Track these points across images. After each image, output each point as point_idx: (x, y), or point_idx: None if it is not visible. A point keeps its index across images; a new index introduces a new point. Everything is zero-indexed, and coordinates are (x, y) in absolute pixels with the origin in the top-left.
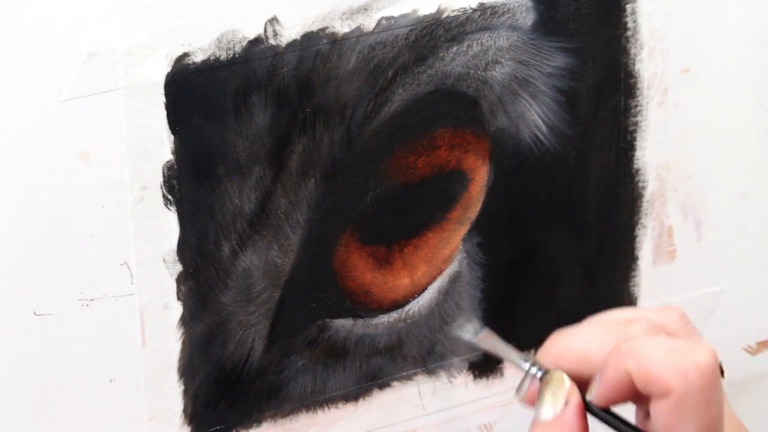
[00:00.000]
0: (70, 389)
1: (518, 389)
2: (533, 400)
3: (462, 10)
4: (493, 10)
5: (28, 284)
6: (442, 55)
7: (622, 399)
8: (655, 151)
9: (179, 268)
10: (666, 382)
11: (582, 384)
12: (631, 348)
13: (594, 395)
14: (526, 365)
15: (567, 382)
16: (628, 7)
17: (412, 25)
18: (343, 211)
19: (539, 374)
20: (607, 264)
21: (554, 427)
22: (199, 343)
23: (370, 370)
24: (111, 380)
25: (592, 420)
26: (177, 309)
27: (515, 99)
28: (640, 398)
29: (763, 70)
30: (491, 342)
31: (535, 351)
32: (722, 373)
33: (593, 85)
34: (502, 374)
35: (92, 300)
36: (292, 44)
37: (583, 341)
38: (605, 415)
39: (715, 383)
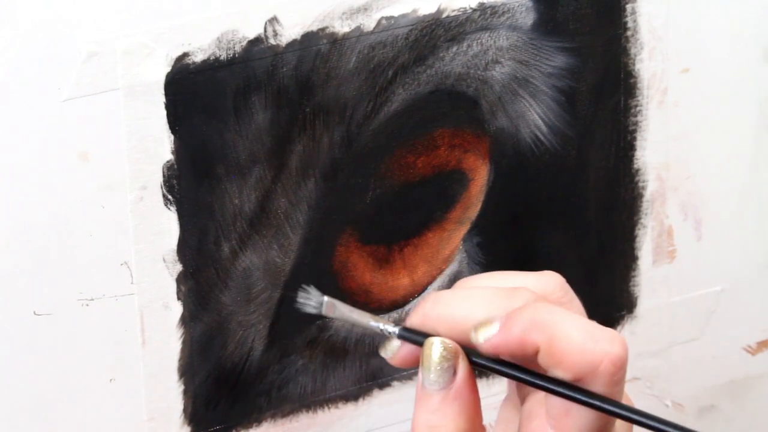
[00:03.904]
0: (70, 389)
1: (384, 349)
2: (405, 363)
3: (462, 9)
4: (493, 10)
5: (28, 284)
6: (442, 55)
7: (513, 357)
8: (655, 151)
9: (179, 267)
10: (575, 369)
11: (460, 343)
12: (545, 321)
13: (485, 345)
14: (395, 329)
15: (454, 348)
16: (628, 7)
17: (412, 25)
18: (343, 211)
19: (413, 338)
20: (607, 264)
21: (446, 400)
22: (199, 343)
23: (370, 370)
24: (111, 380)
25: None
26: (177, 309)
27: (515, 99)
28: (529, 362)
29: (762, 70)
30: (340, 310)
31: None
32: None
33: (593, 85)
34: None
35: (92, 300)
36: (292, 44)
37: (467, 308)
38: (491, 364)
39: (622, 377)
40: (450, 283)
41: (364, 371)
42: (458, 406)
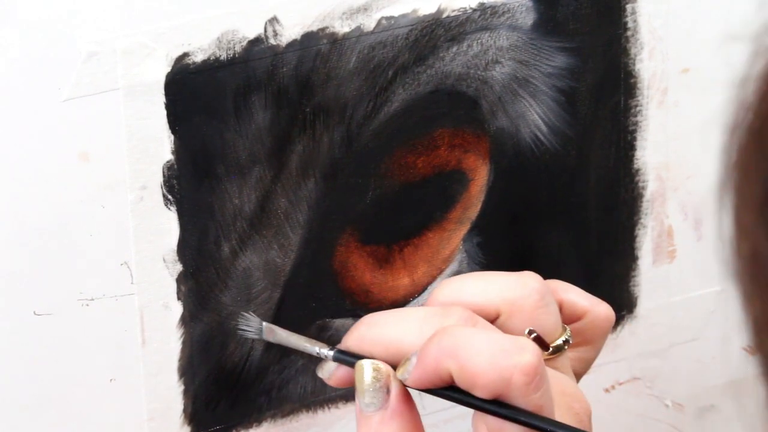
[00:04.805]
0: (70, 389)
1: (320, 370)
2: (342, 383)
3: (462, 10)
4: (493, 10)
5: (28, 284)
6: (442, 55)
7: (437, 387)
8: (655, 151)
9: (179, 267)
10: (489, 387)
11: (394, 364)
12: (452, 347)
13: (408, 381)
14: (330, 352)
15: (384, 370)
16: (628, 7)
17: (412, 25)
18: (343, 211)
19: (348, 360)
20: (607, 264)
21: (384, 420)
22: (199, 343)
23: None
24: (111, 380)
25: None
26: (177, 309)
27: (515, 99)
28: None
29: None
30: (279, 335)
31: None
32: (567, 342)
33: (593, 85)
34: None
35: (92, 300)
36: (292, 44)
37: (399, 330)
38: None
39: (539, 381)
40: None
41: None
42: (397, 424)
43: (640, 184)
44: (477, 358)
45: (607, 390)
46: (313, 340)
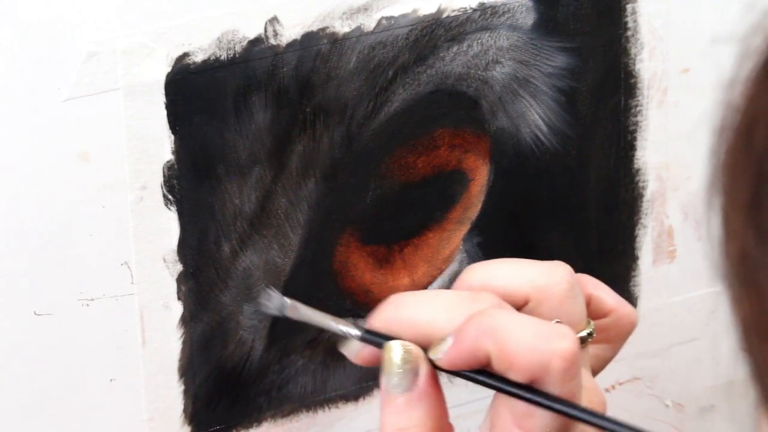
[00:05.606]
0: (70, 389)
1: (346, 349)
2: (368, 363)
3: (462, 10)
4: (493, 10)
5: (28, 284)
6: (442, 55)
7: (471, 368)
8: (655, 151)
9: (179, 267)
10: (527, 370)
11: (421, 346)
12: (492, 328)
13: (442, 360)
14: (357, 332)
15: (414, 351)
16: (628, 7)
17: (412, 25)
18: (343, 211)
19: (375, 341)
20: (607, 264)
21: (411, 402)
22: (200, 343)
23: (371, 370)
24: (111, 380)
25: None
26: (177, 309)
27: (515, 99)
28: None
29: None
30: (303, 313)
31: None
32: (590, 335)
33: (593, 85)
34: None
35: (92, 300)
36: (292, 44)
37: (428, 312)
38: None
39: (576, 370)
40: (450, 284)
41: (364, 371)
42: (423, 407)
43: (641, 184)
44: (518, 338)
45: (607, 390)
46: (339, 319)
